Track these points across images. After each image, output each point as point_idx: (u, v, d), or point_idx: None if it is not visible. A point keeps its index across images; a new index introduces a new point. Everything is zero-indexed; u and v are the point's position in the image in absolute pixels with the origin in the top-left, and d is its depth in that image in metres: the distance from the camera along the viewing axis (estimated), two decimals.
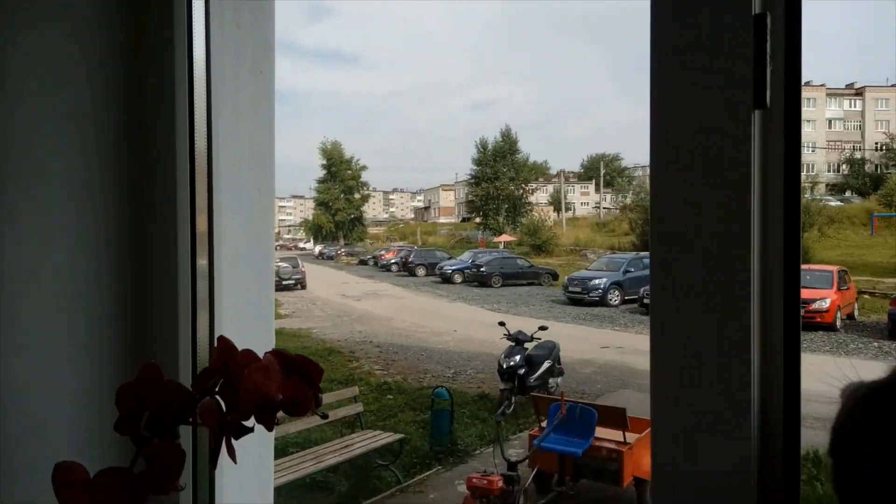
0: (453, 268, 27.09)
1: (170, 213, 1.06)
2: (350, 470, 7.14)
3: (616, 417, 6.47)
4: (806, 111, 47.46)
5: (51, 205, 1.00)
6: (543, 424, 6.79)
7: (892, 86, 50.47)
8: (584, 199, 58.14)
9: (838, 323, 14.24)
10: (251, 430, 0.74)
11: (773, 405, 0.74)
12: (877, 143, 47.48)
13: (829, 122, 50.02)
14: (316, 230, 52.62)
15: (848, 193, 43.29)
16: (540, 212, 44.55)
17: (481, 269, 25.35)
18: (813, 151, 47.04)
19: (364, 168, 53.70)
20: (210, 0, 1.07)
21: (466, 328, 15.54)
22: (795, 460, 0.74)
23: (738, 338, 0.73)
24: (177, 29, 1.06)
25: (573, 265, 27.61)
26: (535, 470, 6.49)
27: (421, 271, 29.52)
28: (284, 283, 23.21)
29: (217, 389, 0.75)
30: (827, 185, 46.15)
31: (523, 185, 48.28)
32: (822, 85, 49.62)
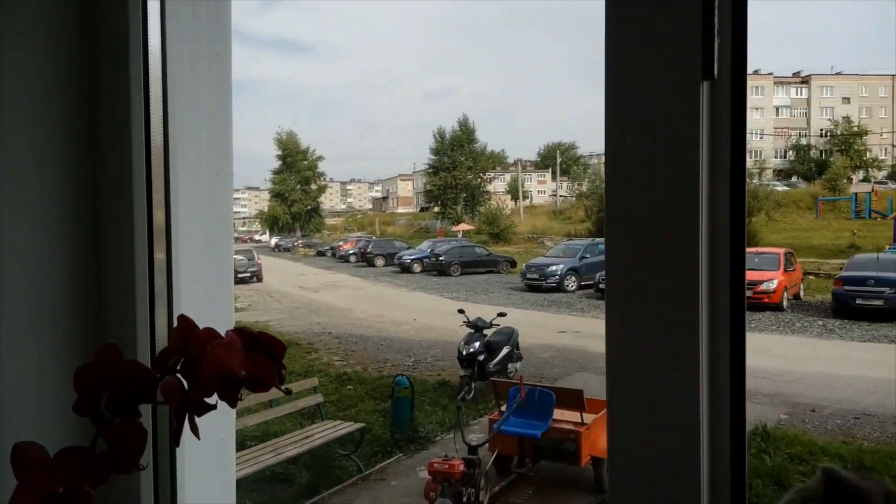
0: (412, 257, 27.05)
1: (125, 203, 1.04)
2: (310, 461, 7.10)
3: (573, 399, 6.59)
4: (754, 99, 48.66)
5: (1, 198, 0.97)
6: (503, 409, 6.87)
7: (837, 74, 52.19)
8: (542, 188, 58.56)
9: (785, 303, 14.75)
10: (214, 407, 0.73)
11: (720, 383, 0.77)
12: (822, 130, 49.07)
13: (777, 109, 51.42)
14: (272, 222, 51.73)
15: (794, 179, 44.64)
16: (498, 200, 44.79)
17: (440, 259, 25.41)
18: (761, 138, 48.32)
19: (320, 158, 53.10)
20: None
21: (426, 317, 15.56)
22: (741, 433, 0.78)
23: (686, 319, 0.77)
24: (131, 15, 1.03)
25: (531, 252, 27.89)
26: (496, 453, 6.58)
27: (380, 261, 29.39)
28: (240, 275, 22.67)
29: (178, 368, 0.75)
30: (774, 171, 47.53)
31: (481, 175, 48.41)
32: (769, 73, 50.95)
